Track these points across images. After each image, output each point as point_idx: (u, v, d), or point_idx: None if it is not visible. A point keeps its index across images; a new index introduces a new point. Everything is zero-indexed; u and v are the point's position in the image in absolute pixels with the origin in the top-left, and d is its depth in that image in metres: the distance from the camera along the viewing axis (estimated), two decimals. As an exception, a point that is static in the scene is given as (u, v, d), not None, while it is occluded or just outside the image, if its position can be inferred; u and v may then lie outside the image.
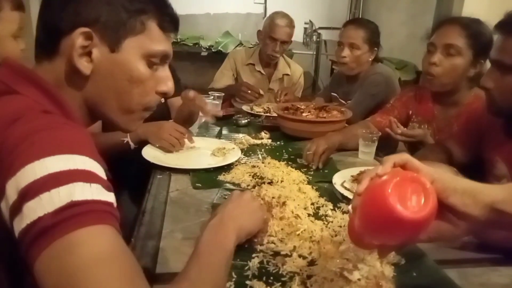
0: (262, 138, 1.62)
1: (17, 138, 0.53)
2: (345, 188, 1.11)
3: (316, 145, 1.36)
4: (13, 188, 0.51)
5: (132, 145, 1.36)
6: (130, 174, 1.37)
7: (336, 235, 0.88)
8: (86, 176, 0.52)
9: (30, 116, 0.57)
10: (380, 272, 0.70)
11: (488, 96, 1.10)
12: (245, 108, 2.14)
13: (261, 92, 2.22)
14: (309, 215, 0.95)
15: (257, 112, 2.07)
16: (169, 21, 0.71)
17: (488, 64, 1.18)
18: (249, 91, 2.18)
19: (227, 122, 1.90)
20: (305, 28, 4.22)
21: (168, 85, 0.74)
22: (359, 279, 0.66)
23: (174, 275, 0.59)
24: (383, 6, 4.16)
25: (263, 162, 1.33)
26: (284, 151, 1.50)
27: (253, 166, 1.30)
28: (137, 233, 0.88)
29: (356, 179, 1.13)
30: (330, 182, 1.16)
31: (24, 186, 0.50)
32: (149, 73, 0.70)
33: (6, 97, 0.61)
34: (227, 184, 1.16)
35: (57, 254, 0.47)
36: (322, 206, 1.03)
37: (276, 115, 1.77)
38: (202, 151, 1.44)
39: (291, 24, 2.33)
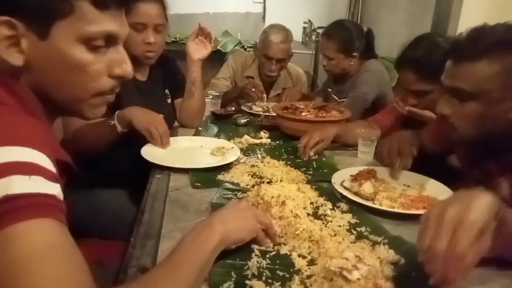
0: (261, 138, 1.62)
1: None
2: (344, 187, 1.12)
3: (308, 137, 1.38)
4: None
5: (119, 128, 1.30)
6: (129, 173, 1.37)
7: (335, 235, 0.88)
8: (25, 168, 0.50)
9: None
10: (380, 271, 0.70)
11: (446, 123, 1.03)
12: (244, 107, 2.13)
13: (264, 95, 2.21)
14: (308, 214, 0.95)
15: (256, 111, 2.07)
16: None
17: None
18: (254, 89, 2.17)
19: (226, 121, 1.90)
20: (304, 28, 4.22)
21: (123, 68, 0.68)
22: (358, 279, 0.66)
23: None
24: (382, 6, 4.15)
25: (262, 162, 1.33)
26: (283, 150, 1.50)
27: (252, 166, 1.30)
28: (136, 233, 0.88)
29: (356, 179, 1.13)
30: (329, 181, 1.16)
31: None
32: (91, 58, 0.64)
33: None
34: (227, 184, 1.16)
35: None
36: (321, 205, 1.03)
37: (275, 115, 1.77)
38: (201, 151, 1.43)
39: (286, 39, 2.22)
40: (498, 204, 0.64)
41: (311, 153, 1.37)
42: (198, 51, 1.63)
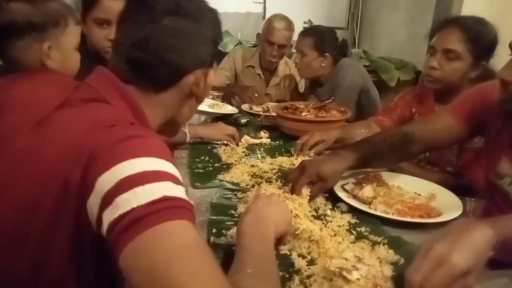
0: (261, 138, 1.62)
1: (113, 141, 0.60)
2: (344, 189, 1.11)
3: (309, 136, 1.38)
4: (106, 181, 0.56)
5: (188, 137, 1.45)
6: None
7: (335, 235, 0.88)
8: (174, 178, 0.58)
9: (122, 125, 0.64)
10: (379, 271, 0.70)
11: (506, 90, 0.99)
12: (244, 107, 2.13)
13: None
14: (308, 214, 0.95)
15: (256, 111, 2.07)
16: None
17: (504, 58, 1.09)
18: (256, 95, 2.22)
19: (226, 121, 1.90)
20: (304, 28, 4.22)
21: None
22: (358, 279, 0.66)
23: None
24: (383, 6, 4.15)
25: (262, 162, 1.33)
26: (283, 150, 1.50)
27: (252, 166, 1.30)
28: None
29: (359, 182, 1.12)
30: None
31: (120, 179, 0.55)
32: None
33: (97, 104, 0.69)
34: (226, 184, 1.16)
35: (150, 240, 0.52)
36: (321, 205, 1.02)
37: (275, 115, 1.77)
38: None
39: (289, 27, 2.31)
40: (497, 233, 0.65)
41: (311, 153, 1.36)
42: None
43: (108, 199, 0.55)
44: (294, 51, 2.55)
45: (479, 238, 0.64)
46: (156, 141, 0.63)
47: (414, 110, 1.64)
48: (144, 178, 0.55)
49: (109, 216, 0.54)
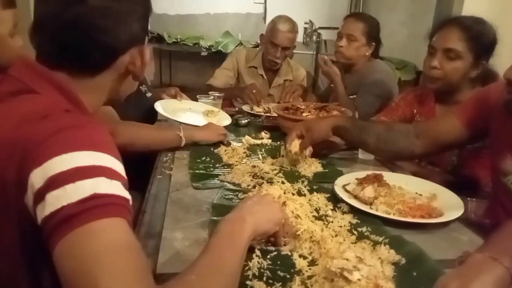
0: (262, 138, 1.62)
1: (45, 133, 0.57)
2: (346, 190, 1.11)
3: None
4: (38, 177, 0.54)
5: (183, 141, 1.42)
6: (130, 174, 1.37)
7: (336, 235, 0.88)
8: (108, 173, 0.56)
9: (55, 114, 0.61)
10: (380, 272, 0.70)
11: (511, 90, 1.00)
12: (245, 108, 2.14)
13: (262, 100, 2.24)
14: (309, 215, 0.95)
15: (257, 112, 2.07)
16: None
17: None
18: (254, 91, 2.20)
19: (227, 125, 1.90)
20: (305, 28, 4.22)
21: None
22: (359, 279, 0.66)
23: (175, 276, 0.59)
24: (383, 6, 4.16)
25: (263, 162, 1.33)
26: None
27: (253, 166, 1.30)
28: (137, 233, 0.88)
29: (361, 182, 1.12)
30: (331, 182, 1.15)
31: (51, 175, 0.53)
32: None
33: (26, 95, 0.65)
34: (227, 184, 1.16)
35: (76, 240, 0.51)
36: (323, 206, 1.03)
37: (276, 115, 1.77)
38: (194, 113, 1.74)
39: (293, 29, 2.30)
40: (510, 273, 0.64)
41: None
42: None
43: (40, 195, 0.54)
44: (295, 51, 2.56)
45: (492, 277, 0.63)
46: (93, 131, 0.61)
47: (415, 111, 1.65)
48: (76, 175, 0.54)
49: (41, 213, 0.54)
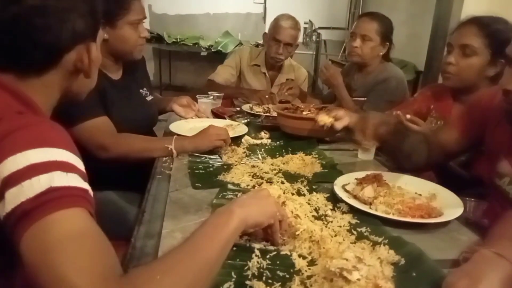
0: (261, 138, 1.62)
1: None
2: (345, 190, 1.11)
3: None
4: None
5: (175, 153, 1.35)
6: (130, 174, 1.37)
7: (335, 235, 0.88)
8: (63, 166, 0.58)
9: (7, 117, 0.62)
10: (380, 272, 0.70)
11: (509, 100, 1.00)
12: (245, 108, 2.14)
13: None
14: (308, 215, 0.95)
15: (256, 112, 2.07)
16: None
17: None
18: (267, 96, 2.22)
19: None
20: (305, 28, 4.23)
21: None
22: (358, 279, 0.66)
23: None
24: (383, 6, 4.15)
25: (263, 162, 1.33)
26: (283, 150, 1.50)
27: (253, 166, 1.30)
28: (137, 233, 0.88)
29: (361, 182, 1.12)
30: (330, 182, 1.15)
31: (6, 175, 0.55)
32: None
33: None
34: (227, 184, 1.16)
35: (36, 233, 0.53)
36: (322, 206, 1.03)
37: (276, 115, 1.77)
38: None
39: (295, 26, 2.33)
40: None
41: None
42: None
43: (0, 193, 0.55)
44: (296, 51, 2.56)
45: (503, 277, 0.63)
46: (45, 128, 0.62)
47: (432, 106, 1.65)
48: (31, 172, 0.55)
49: (1, 211, 0.55)
